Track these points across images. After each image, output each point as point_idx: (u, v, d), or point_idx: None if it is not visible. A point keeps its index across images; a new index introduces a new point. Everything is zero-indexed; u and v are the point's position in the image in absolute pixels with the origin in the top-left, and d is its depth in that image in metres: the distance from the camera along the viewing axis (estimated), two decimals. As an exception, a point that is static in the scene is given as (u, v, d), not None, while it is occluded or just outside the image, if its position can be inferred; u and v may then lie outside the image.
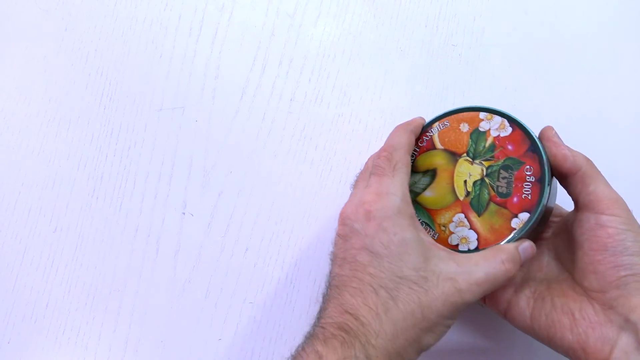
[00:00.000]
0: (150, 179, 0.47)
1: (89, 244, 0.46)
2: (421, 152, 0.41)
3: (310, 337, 0.34)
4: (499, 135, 0.39)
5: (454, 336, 0.45)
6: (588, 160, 0.37)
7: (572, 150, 0.37)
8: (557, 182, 0.39)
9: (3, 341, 0.44)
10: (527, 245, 0.36)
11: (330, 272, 0.36)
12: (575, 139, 0.48)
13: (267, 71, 0.49)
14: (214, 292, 0.45)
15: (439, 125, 0.41)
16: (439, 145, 0.40)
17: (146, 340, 0.44)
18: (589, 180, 0.36)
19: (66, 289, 0.45)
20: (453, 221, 0.39)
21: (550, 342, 0.36)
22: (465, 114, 0.40)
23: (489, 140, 0.39)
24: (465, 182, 0.39)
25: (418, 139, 0.41)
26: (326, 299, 0.35)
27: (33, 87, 0.48)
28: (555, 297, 0.36)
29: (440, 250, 0.35)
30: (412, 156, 0.41)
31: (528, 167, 0.37)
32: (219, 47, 0.49)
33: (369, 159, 0.41)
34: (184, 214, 0.46)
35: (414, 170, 0.41)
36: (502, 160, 0.38)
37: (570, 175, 0.37)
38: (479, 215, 0.38)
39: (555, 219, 0.41)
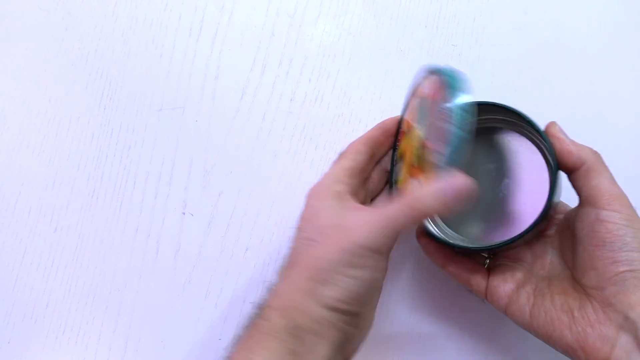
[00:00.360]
0: (150, 179, 0.47)
1: (89, 244, 0.46)
2: (399, 141, 0.42)
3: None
4: (431, 91, 0.38)
5: (454, 334, 0.45)
6: (595, 154, 0.37)
7: (578, 144, 0.37)
8: (562, 178, 0.39)
9: (3, 341, 0.44)
10: (456, 182, 0.33)
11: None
12: (575, 138, 0.48)
13: (267, 71, 0.49)
14: (214, 292, 0.45)
15: (404, 113, 0.42)
16: (405, 129, 0.42)
17: (146, 340, 0.44)
18: (593, 174, 0.36)
19: (66, 289, 0.45)
20: (411, 184, 0.39)
21: (550, 340, 0.36)
22: (417, 90, 0.41)
23: (428, 101, 0.38)
24: (414, 148, 0.39)
25: (397, 134, 0.42)
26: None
27: (33, 87, 0.48)
28: (555, 295, 0.36)
29: (361, 209, 0.36)
30: (395, 150, 0.42)
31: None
32: (219, 47, 0.49)
33: None
34: (184, 214, 0.46)
35: (396, 161, 0.42)
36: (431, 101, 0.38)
37: (574, 170, 0.37)
38: (424, 171, 0.37)
39: (559, 217, 0.41)
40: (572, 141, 0.37)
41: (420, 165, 0.37)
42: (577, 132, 0.48)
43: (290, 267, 0.36)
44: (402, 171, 0.41)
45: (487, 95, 0.49)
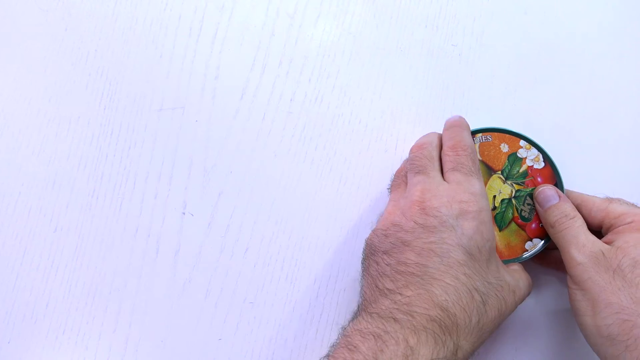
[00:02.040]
0: (150, 179, 0.47)
1: (89, 244, 0.46)
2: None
3: (391, 321, 0.32)
4: (532, 166, 0.43)
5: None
6: (553, 224, 0.39)
7: (546, 215, 0.40)
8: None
9: (3, 341, 0.44)
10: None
11: (395, 255, 0.35)
12: (576, 138, 0.48)
13: (267, 71, 0.49)
14: (214, 292, 0.45)
15: (481, 137, 0.43)
16: (477, 155, 0.43)
17: (146, 340, 0.44)
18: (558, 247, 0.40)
19: (66, 289, 0.45)
20: None
21: None
22: (508, 135, 0.43)
23: (523, 168, 0.43)
24: (494, 197, 0.42)
25: None
26: (398, 281, 0.33)
27: (33, 87, 0.48)
28: None
29: (499, 260, 0.37)
30: None
31: None
32: (219, 47, 0.49)
33: (424, 144, 0.42)
34: (184, 214, 0.46)
35: None
36: (531, 189, 0.42)
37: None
38: (500, 230, 0.42)
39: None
40: (543, 211, 0.41)
41: (497, 221, 0.41)
42: (576, 132, 0.48)
43: (478, 310, 0.33)
44: None
45: (487, 95, 0.49)
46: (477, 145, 0.43)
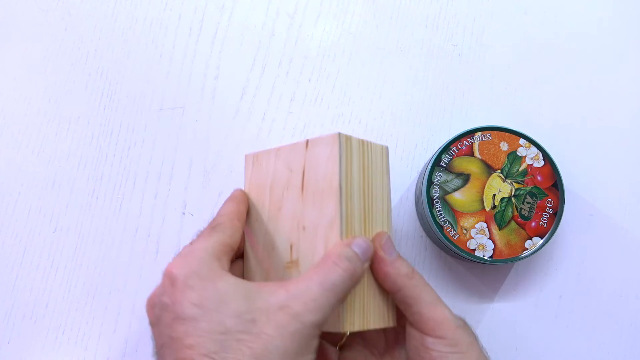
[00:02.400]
0: (150, 179, 0.47)
1: (89, 244, 0.46)
2: (459, 154, 0.43)
3: None
4: (532, 164, 0.42)
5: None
6: (410, 276, 0.33)
7: (397, 264, 0.33)
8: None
9: (3, 341, 0.44)
10: (360, 241, 0.32)
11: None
12: (575, 137, 0.48)
13: (267, 71, 0.49)
14: (214, 292, 0.45)
15: (481, 135, 0.43)
16: (477, 154, 0.43)
17: (146, 340, 0.44)
18: (411, 300, 0.32)
19: (66, 289, 0.45)
20: (475, 227, 0.42)
21: None
22: (508, 134, 0.43)
23: (523, 166, 0.43)
24: (494, 195, 0.42)
25: (458, 142, 0.43)
26: None
27: (33, 87, 0.48)
28: None
29: (269, 286, 0.30)
30: (450, 156, 0.42)
31: (550, 199, 0.42)
32: (219, 47, 0.49)
33: None
34: (184, 214, 0.46)
35: (449, 169, 0.42)
36: (530, 187, 0.42)
37: (392, 294, 0.33)
38: (500, 229, 0.42)
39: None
40: (391, 260, 0.33)
41: (497, 220, 0.41)
42: (576, 131, 0.48)
43: None
44: (464, 196, 0.42)
45: (487, 95, 0.49)
46: (476, 144, 0.43)
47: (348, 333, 0.38)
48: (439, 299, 0.33)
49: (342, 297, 0.30)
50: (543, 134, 0.47)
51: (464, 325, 0.33)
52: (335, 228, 0.32)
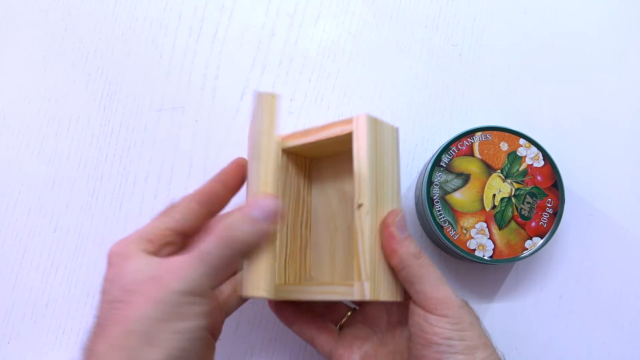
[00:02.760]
0: (150, 179, 0.47)
1: (89, 244, 0.46)
2: (459, 154, 0.43)
3: None
4: (532, 164, 0.43)
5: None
6: (417, 255, 0.34)
7: (404, 243, 0.34)
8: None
9: (3, 341, 0.44)
10: (265, 202, 0.33)
11: None
12: (575, 137, 0.48)
13: (267, 71, 0.49)
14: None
15: (481, 135, 0.43)
16: (477, 154, 0.43)
17: (146, 340, 0.44)
18: (415, 279, 0.33)
19: (66, 289, 0.45)
20: (475, 227, 0.42)
21: None
22: (507, 134, 0.43)
23: (523, 166, 0.43)
24: (494, 195, 0.42)
25: (458, 142, 0.43)
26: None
27: (33, 87, 0.48)
28: None
29: (172, 256, 0.31)
30: (450, 156, 0.42)
31: (550, 199, 0.42)
32: (219, 47, 0.49)
33: None
34: (184, 214, 0.46)
35: (449, 169, 0.42)
36: (530, 187, 0.42)
37: (397, 271, 0.34)
38: (500, 228, 0.42)
39: None
40: (401, 239, 0.33)
41: (497, 220, 0.42)
42: (576, 131, 0.48)
43: (97, 339, 0.29)
44: (464, 196, 0.42)
45: (487, 95, 0.49)
46: (476, 144, 0.43)
47: (349, 313, 0.41)
48: (443, 279, 0.34)
49: (219, 265, 0.30)
50: (543, 134, 0.47)
51: (466, 305, 0.34)
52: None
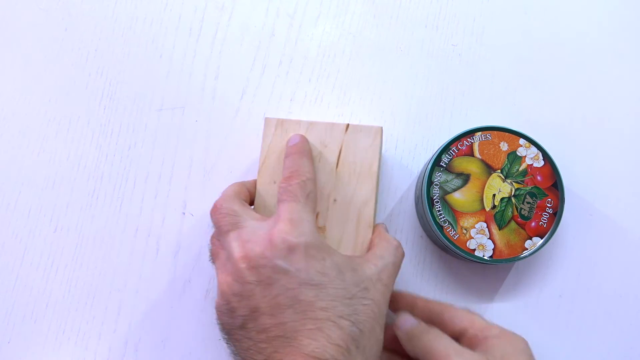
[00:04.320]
0: (150, 179, 0.47)
1: (89, 244, 0.46)
2: (459, 154, 0.43)
3: None
4: (532, 164, 0.43)
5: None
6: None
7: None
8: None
9: (3, 341, 0.44)
10: (384, 226, 0.41)
11: (252, 326, 0.31)
12: (575, 137, 0.48)
13: (267, 71, 0.49)
14: (214, 292, 0.45)
15: (481, 135, 0.43)
16: (477, 154, 0.43)
17: (146, 340, 0.44)
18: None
19: (66, 289, 0.45)
20: (475, 227, 0.42)
21: None
22: (507, 134, 0.43)
23: (523, 166, 0.43)
24: (494, 195, 0.42)
25: (458, 142, 0.43)
26: (266, 352, 0.30)
27: (33, 87, 0.48)
28: None
29: (356, 258, 0.35)
30: (450, 156, 0.42)
31: (549, 199, 0.42)
32: (219, 47, 0.49)
33: (217, 204, 0.37)
34: (184, 214, 0.46)
35: (449, 169, 0.42)
36: (530, 187, 0.42)
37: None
38: (500, 229, 0.42)
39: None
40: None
41: (497, 220, 0.42)
42: (576, 132, 0.48)
43: (352, 335, 0.30)
44: (464, 196, 0.42)
45: (487, 95, 0.49)
46: (476, 144, 0.43)
47: None
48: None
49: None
50: (543, 134, 0.47)
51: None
52: (370, 206, 0.40)
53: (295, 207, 0.34)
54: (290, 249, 0.31)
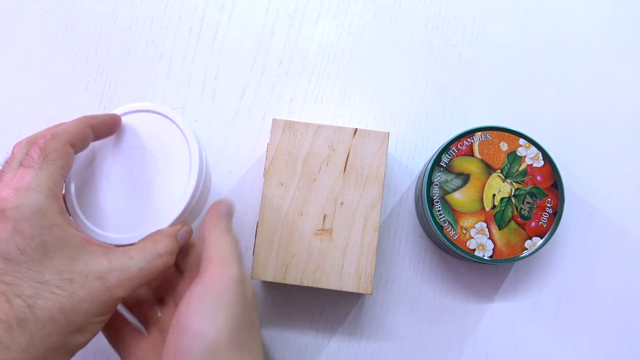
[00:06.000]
0: (150, 179, 0.47)
1: (89, 244, 0.46)
2: (459, 154, 0.43)
3: None
4: (532, 164, 0.43)
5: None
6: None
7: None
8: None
9: (3, 341, 0.44)
10: (184, 230, 0.36)
11: None
12: (575, 137, 0.48)
13: (267, 71, 0.49)
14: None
15: (481, 135, 0.43)
16: (477, 154, 0.43)
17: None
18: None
19: (66, 289, 0.45)
20: (475, 227, 0.42)
21: None
22: (507, 134, 0.43)
23: (523, 166, 0.43)
24: (494, 195, 0.42)
25: (458, 142, 0.43)
26: None
27: (33, 87, 0.48)
28: None
29: (94, 247, 0.32)
30: (450, 156, 0.43)
31: (549, 199, 0.42)
32: (219, 47, 0.49)
33: (15, 145, 0.34)
34: (184, 214, 0.46)
35: (449, 169, 0.42)
36: (530, 187, 0.42)
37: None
38: (500, 228, 0.42)
39: None
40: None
41: (497, 219, 0.42)
42: (577, 132, 0.48)
43: (19, 314, 0.29)
44: (464, 196, 0.42)
45: (487, 95, 0.49)
46: (476, 144, 0.43)
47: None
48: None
49: (153, 278, 0.33)
50: (543, 134, 0.47)
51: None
52: (376, 209, 0.41)
53: (26, 174, 0.31)
54: (2, 217, 0.30)
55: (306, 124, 0.42)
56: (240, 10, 0.50)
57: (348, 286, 0.40)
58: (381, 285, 0.45)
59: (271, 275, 0.40)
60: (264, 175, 0.42)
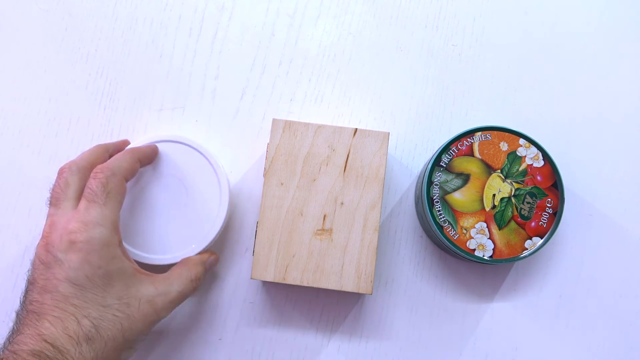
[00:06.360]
0: (150, 179, 0.47)
1: (89, 244, 0.46)
2: (459, 154, 0.43)
3: None
4: (532, 164, 0.43)
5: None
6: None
7: None
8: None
9: (3, 341, 0.44)
10: (212, 259, 0.43)
11: (27, 296, 0.35)
12: (575, 137, 0.48)
13: (267, 71, 0.49)
14: (214, 292, 0.45)
15: (481, 135, 0.43)
16: (477, 154, 0.43)
17: (147, 340, 0.44)
18: None
19: (66, 289, 0.45)
20: (475, 227, 0.42)
21: None
22: (507, 134, 0.43)
23: (523, 166, 0.43)
24: (494, 195, 0.42)
25: (458, 142, 0.43)
26: (21, 322, 0.34)
27: (33, 87, 0.48)
28: None
29: (142, 275, 0.38)
30: (450, 156, 0.42)
31: (549, 199, 0.42)
32: (219, 47, 0.49)
33: (64, 169, 0.39)
34: (184, 214, 0.46)
35: (449, 169, 0.42)
36: (530, 187, 0.42)
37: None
38: (500, 228, 0.42)
39: None
40: None
41: (497, 220, 0.42)
42: (577, 132, 0.48)
43: (87, 334, 0.34)
44: (464, 196, 0.42)
45: (487, 95, 0.49)
46: (476, 144, 0.43)
47: None
48: None
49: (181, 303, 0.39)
50: (543, 134, 0.47)
51: None
52: (376, 209, 0.41)
53: (89, 207, 0.36)
54: (72, 248, 0.35)
55: (306, 124, 0.42)
56: (240, 10, 0.50)
57: (348, 286, 0.40)
58: (381, 285, 0.45)
59: (271, 275, 0.40)
60: (264, 175, 0.42)
